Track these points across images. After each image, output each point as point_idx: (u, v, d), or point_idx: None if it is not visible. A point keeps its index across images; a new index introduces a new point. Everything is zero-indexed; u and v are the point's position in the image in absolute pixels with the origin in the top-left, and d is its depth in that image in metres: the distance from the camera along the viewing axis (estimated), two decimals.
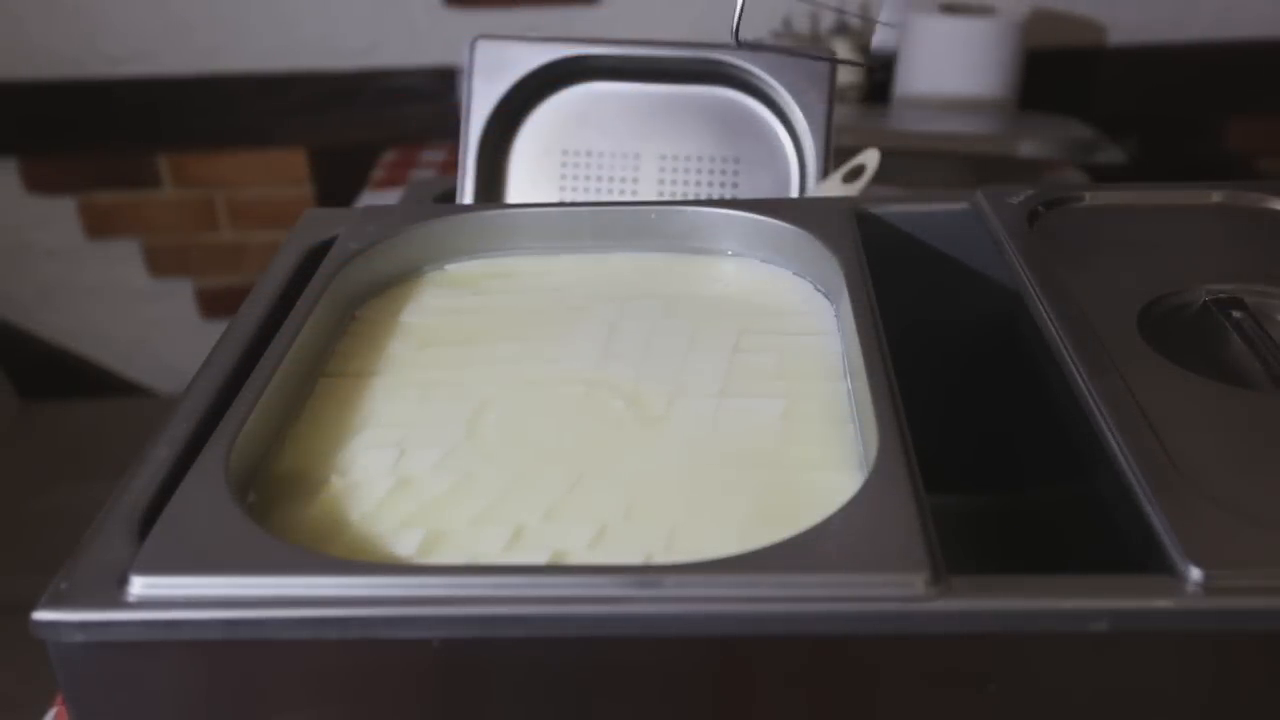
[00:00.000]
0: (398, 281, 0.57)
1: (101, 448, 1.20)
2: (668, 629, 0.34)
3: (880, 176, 0.69)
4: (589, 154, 0.78)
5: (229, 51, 1.42)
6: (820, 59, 0.74)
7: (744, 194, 0.76)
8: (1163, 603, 0.34)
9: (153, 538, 0.37)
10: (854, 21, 1.38)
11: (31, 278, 1.64)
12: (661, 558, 0.38)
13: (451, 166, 1.30)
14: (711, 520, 0.40)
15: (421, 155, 1.41)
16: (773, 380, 0.48)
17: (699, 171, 0.77)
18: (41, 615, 0.34)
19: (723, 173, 0.77)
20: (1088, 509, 0.45)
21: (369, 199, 1.24)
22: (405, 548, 0.39)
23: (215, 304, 1.66)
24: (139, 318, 1.67)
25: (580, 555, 0.39)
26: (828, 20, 1.39)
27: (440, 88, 1.44)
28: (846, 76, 1.27)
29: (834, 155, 0.74)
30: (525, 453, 0.44)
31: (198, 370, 0.47)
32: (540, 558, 0.38)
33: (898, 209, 0.60)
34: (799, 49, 0.75)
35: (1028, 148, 1.08)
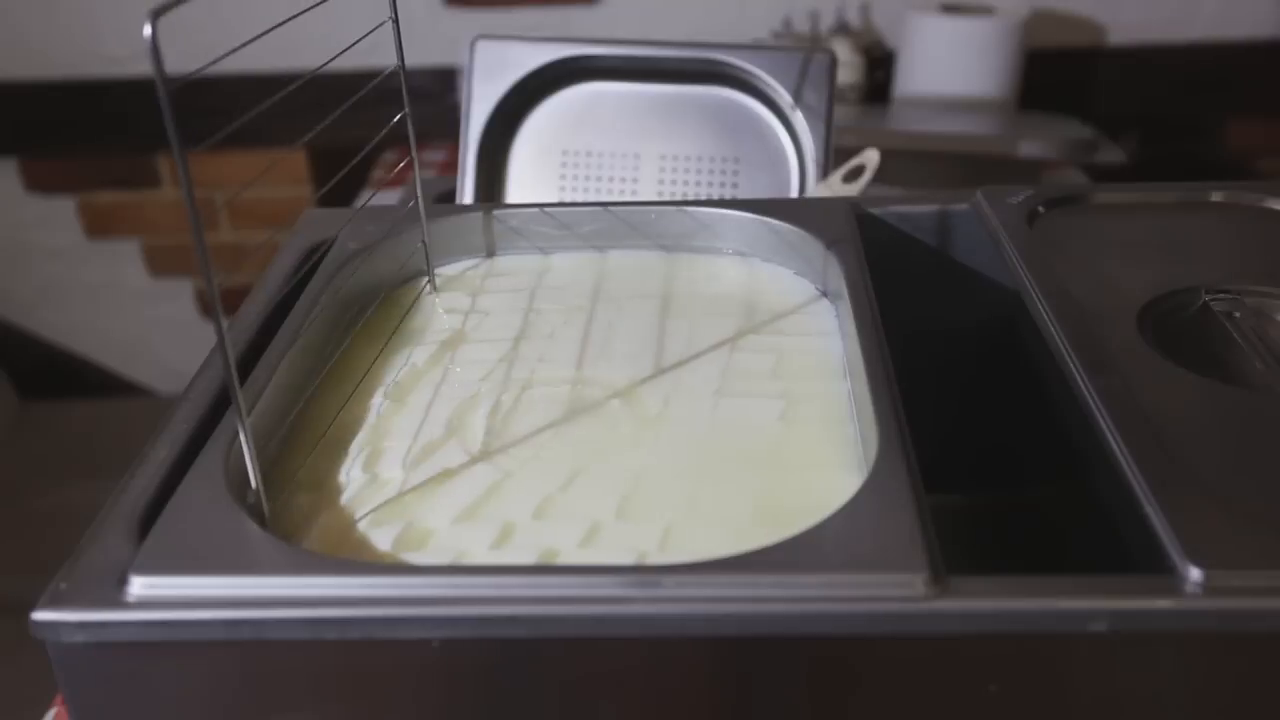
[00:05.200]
0: (397, 281, 0.57)
1: (101, 448, 1.20)
2: (668, 629, 0.34)
3: (880, 176, 0.69)
4: (589, 154, 0.78)
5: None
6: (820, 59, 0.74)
7: (744, 194, 0.76)
8: (1162, 603, 0.34)
9: (153, 538, 0.37)
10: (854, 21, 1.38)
11: (31, 278, 1.64)
12: (655, 557, 0.38)
13: (451, 166, 1.30)
14: (708, 520, 0.40)
15: (422, 155, 1.41)
16: (772, 380, 0.48)
17: (699, 171, 0.77)
18: (41, 615, 0.34)
19: (723, 173, 0.77)
20: (1087, 509, 0.45)
21: (369, 199, 1.24)
22: (395, 545, 0.39)
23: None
24: (139, 318, 1.67)
25: (571, 553, 0.39)
26: (828, 20, 1.39)
27: (440, 88, 1.44)
28: (846, 76, 1.27)
29: (834, 155, 0.74)
30: (519, 451, 0.44)
31: (198, 370, 0.47)
32: (529, 555, 0.38)
33: (898, 209, 0.60)
34: (799, 48, 0.75)
35: (1028, 148, 1.08)
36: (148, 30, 0.31)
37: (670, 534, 0.39)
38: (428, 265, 0.57)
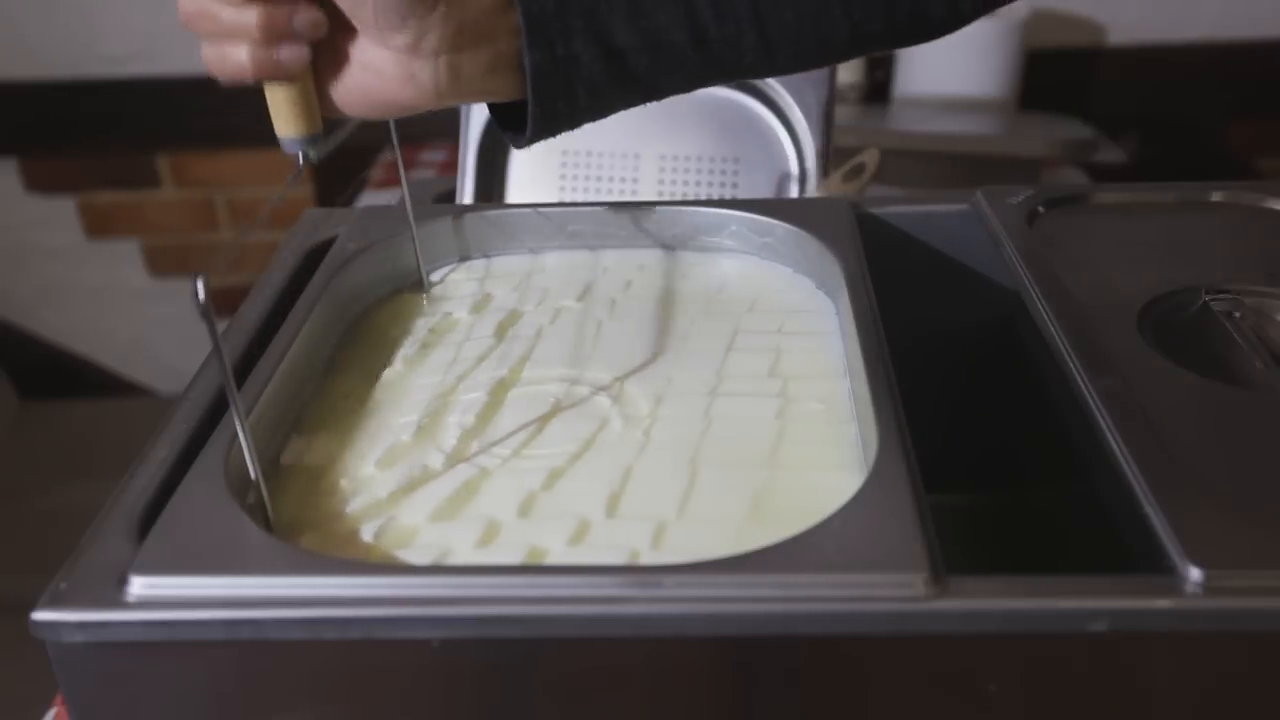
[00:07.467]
0: (397, 281, 0.57)
1: (101, 448, 1.20)
2: (668, 629, 0.34)
3: (880, 176, 0.69)
4: (589, 154, 0.78)
5: None
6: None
7: (744, 194, 0.76)
8: (1162, 603, 0.34)
9: (153, 538, 0.37)
10: None
11: (31, 278, 1.63)
12: (648, 556, 0.38)
13: (451, 166, 1.30)
14: (702, 519, 0.40)
15: (421, 155, 1.41)
16: (771, 379, 0.48)
17: (699, 171, 0.77)
18: (41, 615, 0.34)
19: (723, 173, 0.77)
20: (1087, 509, 0.45)
21: (369, 199, 1.23)
22: (378, 541, 0.39)
23: (215, 304, 1.66)
24: (139, 318, 1.67)
25: (559, 552, 0.39)
26: None
27: None
28: (846, 76, 1.27)
29: (834, 155, 0.74)
30: (509, 450, 0.44)
31: (198, 370, 0.47)
32: (517, 553, 0.38)
33: (898, 209, 0.60)
34: None
35: (1028, 148, 1.08)
36: (200, 291, 0.34)
37: (662, 533, 0.39)
38: (418, 266, 0.56)
